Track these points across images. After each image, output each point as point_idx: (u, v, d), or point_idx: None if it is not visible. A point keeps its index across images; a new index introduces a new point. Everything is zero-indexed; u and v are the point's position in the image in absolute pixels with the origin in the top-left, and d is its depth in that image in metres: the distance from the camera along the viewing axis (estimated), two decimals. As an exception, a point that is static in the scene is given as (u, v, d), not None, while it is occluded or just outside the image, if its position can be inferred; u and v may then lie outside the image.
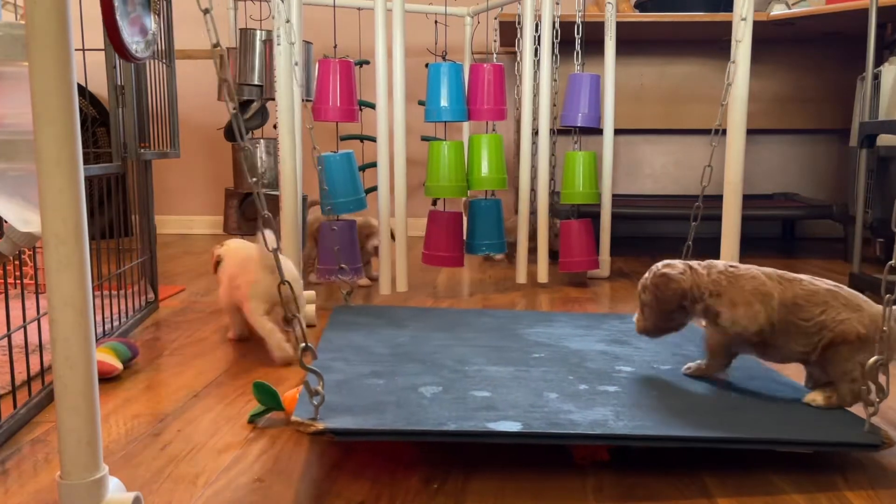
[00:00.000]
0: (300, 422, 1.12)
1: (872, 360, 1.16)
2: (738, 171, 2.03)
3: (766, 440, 1.15)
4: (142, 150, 2.15)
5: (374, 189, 2.73)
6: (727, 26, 2.01)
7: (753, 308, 1.30)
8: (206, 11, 1.13)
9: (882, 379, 1.16)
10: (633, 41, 3.66)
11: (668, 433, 1.15)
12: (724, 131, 2.00)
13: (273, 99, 2.38)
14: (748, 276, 1.33)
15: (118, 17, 1.99)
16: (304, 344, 1.12)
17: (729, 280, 1.33)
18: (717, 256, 2.08)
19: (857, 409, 1.26)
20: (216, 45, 1.10)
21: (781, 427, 1.18)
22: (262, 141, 2.99)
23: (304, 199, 2.08)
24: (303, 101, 2.33)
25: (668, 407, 1.27)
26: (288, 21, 1.96)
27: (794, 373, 1.71)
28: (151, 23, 2.16)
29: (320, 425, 1.10)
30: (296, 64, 1.97)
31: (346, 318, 1.92)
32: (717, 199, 2.20)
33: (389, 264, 2.46)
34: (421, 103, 2.75)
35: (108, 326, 1.91)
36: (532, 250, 2.69)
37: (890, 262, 1.14)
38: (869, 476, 1.17)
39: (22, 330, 1.42)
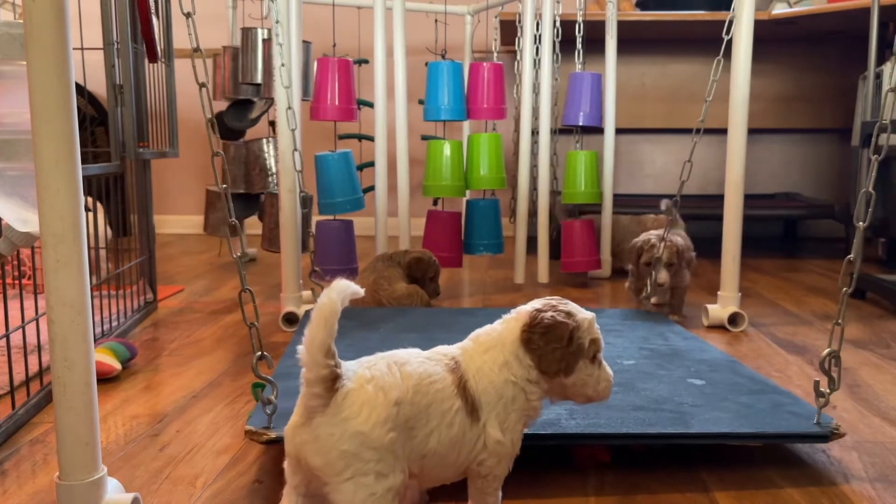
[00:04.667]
0: (253, 431, 1.11)
1: (826, 352, 1.17)
2: (740, 171, 2.03)
3: (716, 434, 1.16)
4: (140, 150, 2.14)
5: (371, 189, 2.72)
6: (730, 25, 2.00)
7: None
8: (188, 15, 1.14)
9: (834, 371, 1.17)
10: (635, 40, 3.65)
11: (618, 431, 1.16)
12: (706, 130, 2.01)
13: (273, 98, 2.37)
14: None
15: (152, 15, 1.97)
16: (259, 353, 1.11)
17: None
18: (718, 256, 2.07)
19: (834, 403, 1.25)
20: (196, 49, 1.11)
21: (735, 421, 1.19)
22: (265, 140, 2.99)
23: (307, 198, 2.07)
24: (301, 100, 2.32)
25: (626, 403, 1.27)
26: (277, 22, 1.95)
27: (788, 373, 1.70)
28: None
29: (272, 434, 1.09)
30: (282, 65, 1.96)
31: None
32: (719, 199, 2.19)
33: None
34: (421, 102, 2.75)
35: (106, 326, 1.91)
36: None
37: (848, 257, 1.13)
38: (870, 475, 1.16)
39: (20, 330, 1.41)
